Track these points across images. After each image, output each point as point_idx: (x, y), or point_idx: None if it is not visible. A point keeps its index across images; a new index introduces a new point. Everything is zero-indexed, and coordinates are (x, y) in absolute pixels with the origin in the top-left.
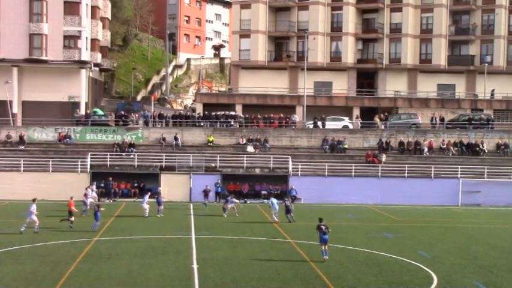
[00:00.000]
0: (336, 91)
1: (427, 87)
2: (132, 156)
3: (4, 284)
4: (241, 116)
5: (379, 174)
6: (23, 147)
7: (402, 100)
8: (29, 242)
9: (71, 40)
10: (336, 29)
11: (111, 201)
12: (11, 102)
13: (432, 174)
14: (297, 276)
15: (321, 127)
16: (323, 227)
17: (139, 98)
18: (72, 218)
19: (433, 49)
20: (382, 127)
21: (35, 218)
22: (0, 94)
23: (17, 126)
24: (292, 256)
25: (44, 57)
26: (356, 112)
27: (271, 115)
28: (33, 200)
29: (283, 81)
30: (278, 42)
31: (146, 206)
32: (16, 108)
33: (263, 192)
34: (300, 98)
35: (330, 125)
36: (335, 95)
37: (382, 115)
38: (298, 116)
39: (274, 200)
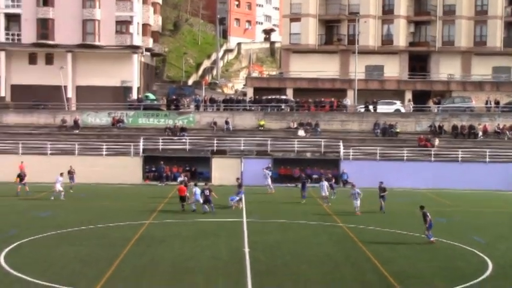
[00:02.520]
0: (387, 75)
1: (482, 70)
2: (183, 140)
3: (61, 265)
4: (292, 100)
5: (432, 158)
6: (77, 131)
7: (456, 83)
8: (84, 224)
9: (123, 25)
10: (387, 12)
11: (163, 184)
12: (65, 87)
13: (487, 159)
14: (348, 259)
15: (372, 111)
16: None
17: (190, 82)
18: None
19: (488, 31)
20: (435, 111)
21: (60, 187)
22: (56, 79)
23: (71, 111)
24: (344, 240)
25: (96, 43)
26: (408, 96)
27: (322, 99)
28: (61, 174)
29: (334, 65)
30: (329, 26)
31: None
32: (70, 93)
33: (314, 176)
34: (351, 82)
35: (382, 108)
36: (387, 79)
37: (435, 99)
38: (349, 100)
39: (325, 183)
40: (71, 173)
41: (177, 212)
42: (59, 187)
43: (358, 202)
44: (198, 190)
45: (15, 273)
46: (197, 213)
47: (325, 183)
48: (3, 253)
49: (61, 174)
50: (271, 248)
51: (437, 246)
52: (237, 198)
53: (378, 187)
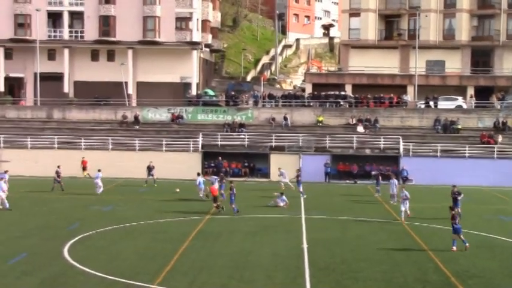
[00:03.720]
0: (449, 70)
1: None
2: (242, 136)
3: (122, 259)
4: (351, 95)
5: (495, 155)
6: (137, 127)
7: None
8: (143, 219)
9: (182, 22)
10: (449, 6)
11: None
12: (126, 83)
13: None
14: (409, 258)
15: (433, 107)
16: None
17: (249, 78)
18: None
19: None
20: (499, 107)
21: (100, 182)
22: (117, 76)
23: (132, 107)
24: (404, 238)
25: (157, 39)
26: (470, 91)
27: (382, 95)
28: (99, 170)
29: (394, 61)
30: (389, 21)
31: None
32: (131, 89)
33: (373, 172)
34: (412, 78)
35: (443, 104)
36: (448, 74)
37: (498, 94)
38: (409, 96)
39: (395, 181)
40: (150, 168)
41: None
42: (99, 182)
43: (407, 206)
44: (201, 179)
45: (78, 265)
46: (256, 208)
47: (395, 181)
48: (67, 246)
49: (99, 170)
50: (330, 244)
51: (498, 245)
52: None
53: (451, 192)
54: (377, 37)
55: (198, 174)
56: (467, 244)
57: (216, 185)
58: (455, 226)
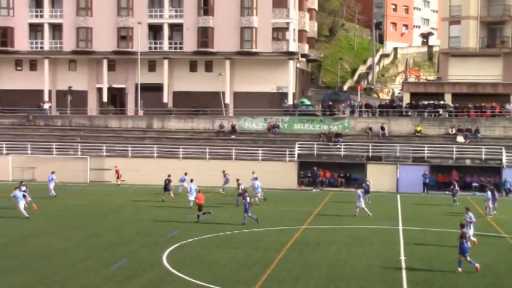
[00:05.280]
0: None
1: None
2: (338, 145)
3: (219, 267)
4: (451, 105)
5: None
6: (234, 136)
7: None
8: (239, 227)
9: (279, 32)
10: None
11: (318, 190)
12: (223, 93)
13: None
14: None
15: None
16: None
17: (345, 87)
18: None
19: None
20: None
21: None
22: (214, 86)
23: (229, 116)
24: (507, 251)
25: (254, 50)
26: None
27: (483, 104)
28: (185, 174)
29: (496, 69)
30: (491, 28)
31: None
32: (228, 99)
33: (474, 184)
34: None
35: None
36: None
37: None
38: None
39: (489, 194)
40: (225, 175)
41: (332, 217)
42: (187, 186)
43: (470, 232)
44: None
45: (176, 272)
46: (353, 219)
47: (489, 194)
48: (166, 253)
49: (185, 174)
50: (429, 257)
51: None
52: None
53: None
54: (478, 45)
55: (192, 180)
56: (477, 265)
57: (193, 194)
58: (462, 246)
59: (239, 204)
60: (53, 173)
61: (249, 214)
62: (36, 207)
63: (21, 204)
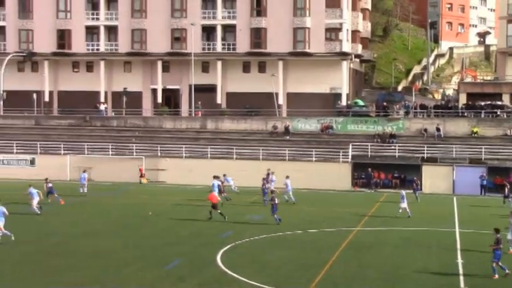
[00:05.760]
0: None
1: None
2: (393, 147)
3: (273, 268)
4: (509, 105)
5: None
6: (288, 137)
7: None
8: (293, 228)
9: (332, 32)
10: None
11: (372, 191)
12: (276, 94)
13: None
14: None
15: None
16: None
17: (400, 88)
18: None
19: None
20: None
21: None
22: (267, 86)
23: (282, 117)
24: None
25: (307, 50)
26: None
27: None
28: (224, 175)
29: None
30: None
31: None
32: (281, 100)
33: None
34: None
35: None
36: None
37: None
38: None
39: None
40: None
41: (387, 218)
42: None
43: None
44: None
45: (231, 272)
46: (408, 221)
47: None
48: (220, 253)
49: (224, 175)
50: (487, 260)
51: None
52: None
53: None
54: None
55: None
56: (507, 271)
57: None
58: (497, 252)
59: (267, 205)
60: (84, 171)
61: (275, 215)
62: (63, 202)
63: (35, 201)
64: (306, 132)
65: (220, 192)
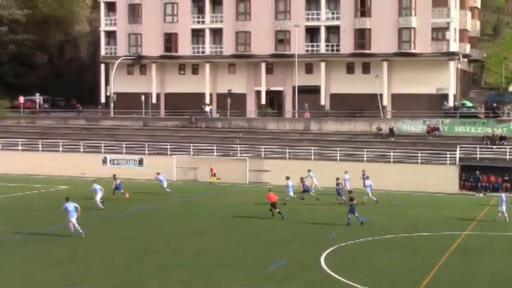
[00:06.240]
0: None
1: None
2: (503, 149)
3: (377, 271)
4: None
5: None
6: (392, 139)
7: None
8: (400, 231)
9: (438, 32)
10: None
11: (481, 194)
12: (381, 95)
13: None
14: None
15: None
16: None
17: (511, 89)
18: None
19: None
20: None
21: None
22: (371, 88)
23: (386, 119)
24: None
25: (412, 50)
26: None
27: None
28: (287, 178)
29: None
30: None
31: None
32: (386, 101)
33: None
34: None
35: None
36: None
37: None
38: None
39: None
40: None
41: (496, 223)
42: (290, 192)
43: None
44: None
45: (334, 274)
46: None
47: None
48: (324, 254)
49: (287, 178)
50: None
51: None
52: None
53: None
54: None
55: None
56: None
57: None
58: None
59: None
60: (158, 174)
61: (356, 215)
62: (127, 196)
63: (98, 196)
64: (411, 134)
65: (306, 191)
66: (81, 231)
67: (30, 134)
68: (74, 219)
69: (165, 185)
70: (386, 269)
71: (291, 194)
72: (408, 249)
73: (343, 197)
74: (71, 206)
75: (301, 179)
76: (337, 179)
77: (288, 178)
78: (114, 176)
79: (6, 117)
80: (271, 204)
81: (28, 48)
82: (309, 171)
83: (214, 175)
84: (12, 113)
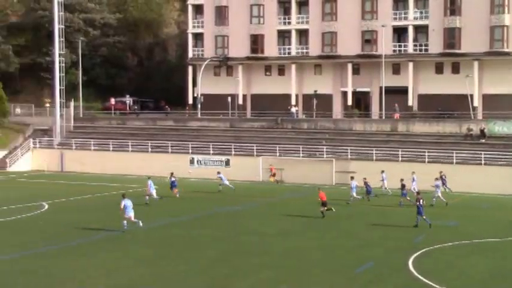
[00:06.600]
0: None
1: None
2: None
3: (468, 275)
4: None
5: None
6: (483, 140)
7: None
8: (489, 235)
9: None
10: None
11: None
12: (471, 95)
13: None
14: None
15: None
16: None
17: None
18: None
19: None
20: None
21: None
22: (461, 88)
23: (477, 120)
24: None
25: (505, 49)
26: None
27: None
28: (351, 178)
29: None
30: None
31: None
32: (477, 102)
33: None
34: None
35: None
36: None
37: None
38: None
39: None
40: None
41: None
42: (353, 193)
43: None
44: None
45: (423, 278)
46: None
47: None
48: (412, 258)
49: (351, 178)
50: None
51: None
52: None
53: None
54: None
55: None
56: None
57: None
58: None
59: (402, 205)
60: (218, 173)
61: (423, 217)
62: (177, 195)
63: (154, 192)
64: (503, 136)
65: (369, 193)
66: (140, 223)
67: (120, 135)
68: (132, 214)
69: (227, 183)
70: (476, 274)
71: (354, 194)
72: (499, 253)
73: (408, 198)
74: (128, 202)
75: (364, 179)
76: (402, 180)
77: (352, 178)
78: (172, 173)
79: (98, 119)
80: (322, 203)
81: (119, 51)
82: (382, 172)
83: (274, 175)
84: (103, 114)
